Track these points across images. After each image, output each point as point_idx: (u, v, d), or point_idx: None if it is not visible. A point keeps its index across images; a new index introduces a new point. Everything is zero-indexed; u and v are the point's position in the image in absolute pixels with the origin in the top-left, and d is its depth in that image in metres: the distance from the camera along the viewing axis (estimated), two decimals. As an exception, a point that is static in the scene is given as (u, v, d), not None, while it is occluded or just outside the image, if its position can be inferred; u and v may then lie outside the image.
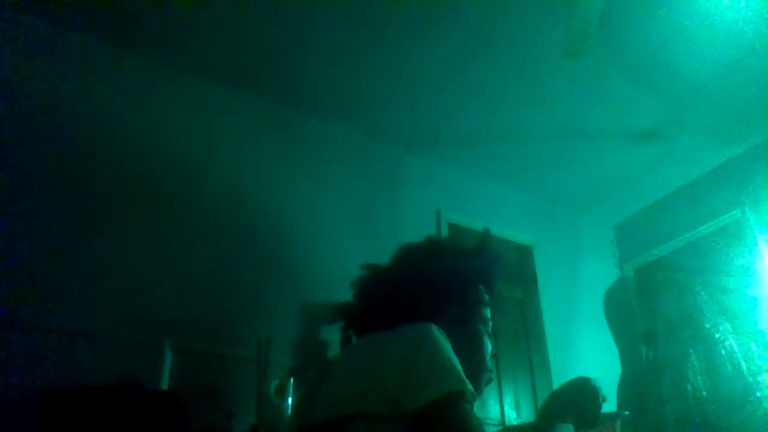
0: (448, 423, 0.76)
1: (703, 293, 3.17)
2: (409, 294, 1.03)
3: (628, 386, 3.27)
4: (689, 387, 3.04)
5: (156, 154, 2.38)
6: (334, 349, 2.25)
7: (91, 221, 2.13)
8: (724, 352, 2.96)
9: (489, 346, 1.11)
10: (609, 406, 1.07)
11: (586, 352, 3.25)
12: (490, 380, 1.10)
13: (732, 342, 2.95)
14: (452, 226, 3.10)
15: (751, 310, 2.91)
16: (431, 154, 3.26)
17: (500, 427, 2.74)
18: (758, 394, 2.71)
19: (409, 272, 1.08)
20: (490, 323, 1.13)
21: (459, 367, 0.81)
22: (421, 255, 1.12)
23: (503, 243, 3.32)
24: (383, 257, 1.18)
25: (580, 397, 1.05)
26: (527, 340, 3.24)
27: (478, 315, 1.10)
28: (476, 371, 1.04)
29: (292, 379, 1.96)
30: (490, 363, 1.11)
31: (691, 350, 3.12)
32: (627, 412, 1.27)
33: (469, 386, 0.79)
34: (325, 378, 0.91)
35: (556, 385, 2.88)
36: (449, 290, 1.05)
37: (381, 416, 0.76)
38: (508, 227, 3.33)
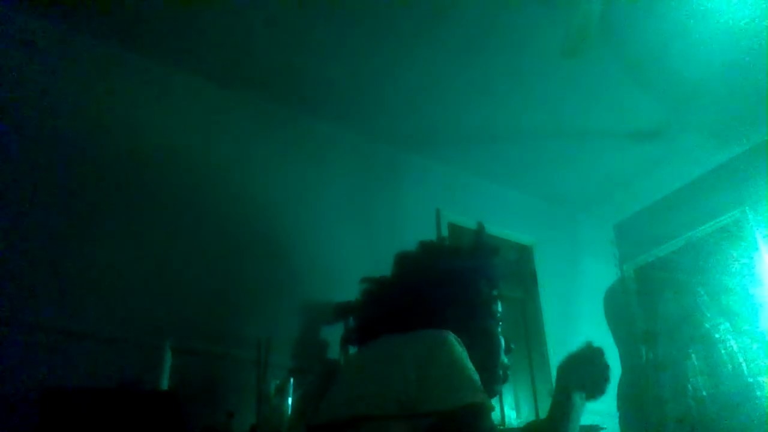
0: None
1: (703, 293, 3.17)
2: (412, 302, 1.02)
3: (628, 386, 3.27)
4: (689, 387, 3.04)
5: (156, 154, 2.38)
6: (334, 349, 2.27)
7: (91, 221, 2.13)
8: (724, 352, 2.96)
9: (501, 341, 1.10)
10: (609, 406, 1.07)
11: (586, 352, 3.25)
12: (507, 377, 1.09)
13: (732, 342, 2.95)
14: (452, 226, 3.10)
15: (751, 310, 2.91)
16: (431, 154, 3.26)
17: (501, 428, 2.73)
18: (758, 394, 2.71)
19: (409, 281, 1.07)
20: (500, 316, 1.11)
21: (477, 378, 0.81)
22: (418, 262, 1.11)
23: (503, 243, 3.31)
24: (383, 257, 1.18)
25: (590, 364, 1.02)
26: (527, 340, 3.24)
27: (485, 312, 1.09)
28: (490, 368, 1.03)
29: (292, 379, 1.96)
30: (505, 358, 1.10)
31: (691, 350, 3.12)
32: (605, 428, 1.28)
33: (488, 400, 0.79)
34: (338, 378, 0.91)
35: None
36: (451, 292, 1.05)
37: (392, 419, 0.76)
38: (508, 227, 3.33)
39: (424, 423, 0.75)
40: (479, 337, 1.04)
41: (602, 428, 1.29)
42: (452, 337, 0.86)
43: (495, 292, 1.13)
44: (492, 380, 1.06)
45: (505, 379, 1.10)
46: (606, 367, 1.02)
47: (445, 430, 0.75)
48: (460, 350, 0.85)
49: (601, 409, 2.99)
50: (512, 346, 1.13)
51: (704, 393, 2.96)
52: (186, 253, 2.28)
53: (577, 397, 0.98)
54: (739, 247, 3.06)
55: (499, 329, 1.11)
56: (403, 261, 1.13)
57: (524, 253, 3.43)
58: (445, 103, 2.89)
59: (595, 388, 1.00)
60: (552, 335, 3.20)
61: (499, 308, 1.13)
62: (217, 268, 2.32)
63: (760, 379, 2.75)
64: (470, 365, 0.83)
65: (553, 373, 3.08)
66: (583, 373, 1.00)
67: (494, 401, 0.91)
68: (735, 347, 2.92)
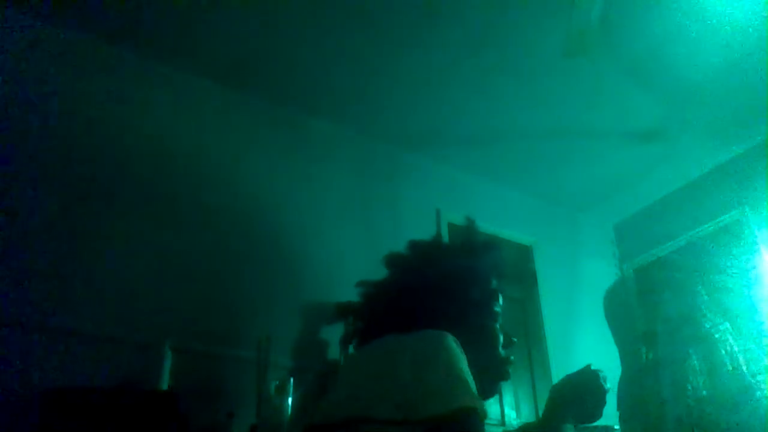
0: None
1: (703, 293, 3.16)
2: (407, 303, 1.02)
3: (628, 386, 3.27)
4: (689, 387, 3.04)
5: (155, 153, 2.38)
6: (334, 349, 2.27)
7: (90, 221, 2.13)
8: (724, 352, 2.95)
9: (500, 336, 1.10)
10: (609, 406, 1.07)
11: (586, 352, 3.25)
12: (508, 373, 1.09)
13: (732, 342, 2.94)
14: (452, 226, 3.10)
15: (751, 310, 2.91)
16: (431, 154, 3.26)
17: (501, 428, 2.73)
18: (758, 394, 2.71)
19: (402, 282, 1.07)
20: (499, 311, 1.11)
21: (471, 381, 0.81)
22: (409, 262, 1.11)
23: (503, 243, 3.31)
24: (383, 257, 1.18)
25: (586, 391, 1.03)
26: (527, 340, 3.24)
27: (480, 308, 1.08)
28: (487, 366, 1.02)
29: (292, 379, 1.96)
30: (504, 352, 1.09)
31: (691, 350, 3.11)
32: (617, 427, 1.28)
33: (481, 404, 0.79)
34: (336, 378, 0.91)
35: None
36: (443, 290, 1.05)
37: (389, 421, 0.76)
38: (508, 227, 3.33)
39: (418, 430, 0.75)
40: (475, 334, 1.04)
41: (615, 428, 1.28)
42: (450, 339, 0.85)
43: (493, 286, 1.12)
44: (491, 377, 1.05)
45: (506, 376, 1.09)
46: (603, 394, 1.03)
47: None
48: (458, 352, 0.84)
49: (601, 409, 3.00)
50: (514, 339, 1.12)
51: (704, 393, 2.96)
52: (186, 252, 2.28)
53: (568, 429, 0.98)
54: (739, 247, 3.06)
55: (498, 324, 1.11)
56: (395, 262, 1.13)
57: (524, 253, 3.43)
58: (445, 103, 2.89)
59: (588, 418, 1.01)
60: (552, 335, 3.20)
61: (500, 301, 1.12)
62: (217, 268, 2.32)
63: (760, 379, 2.74)
64: (466, 368, 0.82)
65: (554, 373, 3.09)
66: (579, 402, 1.01)
67: (494, 400, 0.91)
68: (735, 347, 2.92)
